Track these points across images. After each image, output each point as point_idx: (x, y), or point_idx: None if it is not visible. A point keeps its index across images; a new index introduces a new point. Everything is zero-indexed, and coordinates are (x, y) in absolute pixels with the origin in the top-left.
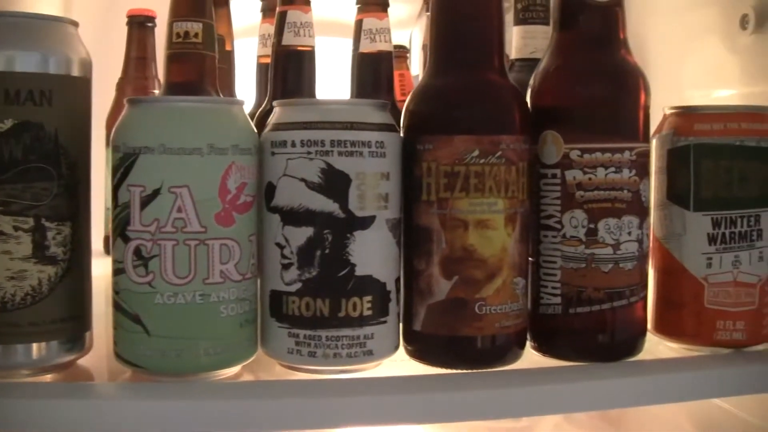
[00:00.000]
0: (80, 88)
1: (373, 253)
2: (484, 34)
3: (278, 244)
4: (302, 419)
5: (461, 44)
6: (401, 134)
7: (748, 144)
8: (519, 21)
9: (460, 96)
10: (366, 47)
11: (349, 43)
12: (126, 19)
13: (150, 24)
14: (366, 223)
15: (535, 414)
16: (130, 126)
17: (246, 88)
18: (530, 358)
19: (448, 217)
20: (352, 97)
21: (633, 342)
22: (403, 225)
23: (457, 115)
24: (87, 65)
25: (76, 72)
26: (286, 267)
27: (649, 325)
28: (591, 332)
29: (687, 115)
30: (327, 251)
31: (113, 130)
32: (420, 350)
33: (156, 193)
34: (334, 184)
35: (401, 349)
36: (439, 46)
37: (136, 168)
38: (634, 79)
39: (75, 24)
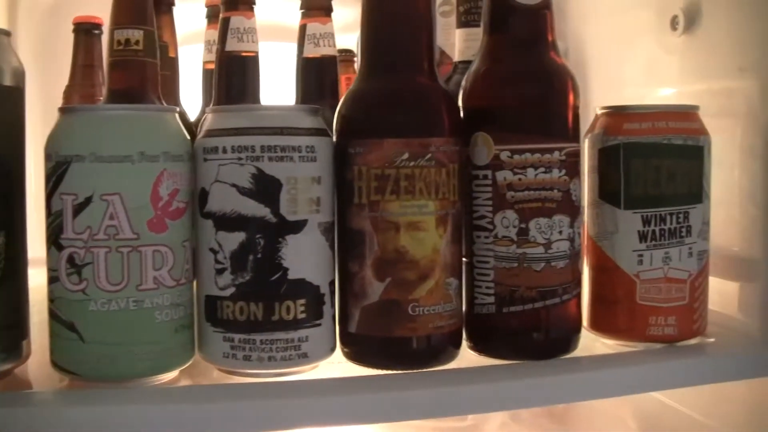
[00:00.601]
0: (12, 97)
1: (306, 257)
2: (413, 38)
3: (212, 250)
4: (239, 422)
5: (390, 48)
6: (334, 139)
7: (675, 142)
8: (461, 24)
9: (388, 99)
10: (310, 52)
11: (294, 47)
12: (72, 27)
13: (96, 31)
14: (298, 227)
15: (471, 412)
16: (62, 135)
17: (194, 94)
18: (467, 357)
19: (379, 220)
20: (297, 102)
21: (567, 339)
22: (336, 228)
23: (386, 118)
24: (19, 75)
25: (7, 81)
26: (219, 272)
27: (585, 323)
28: (525, 331)
29: (616, 114)
30: (259, 256)
31: (46, 139)
32: (356, 352)
33: (88, 201)
34: (265, 189)
35: (338, 352)
36: (368, 51)
37: (68, 176)
38: (562, 80)
39: (7, 34)
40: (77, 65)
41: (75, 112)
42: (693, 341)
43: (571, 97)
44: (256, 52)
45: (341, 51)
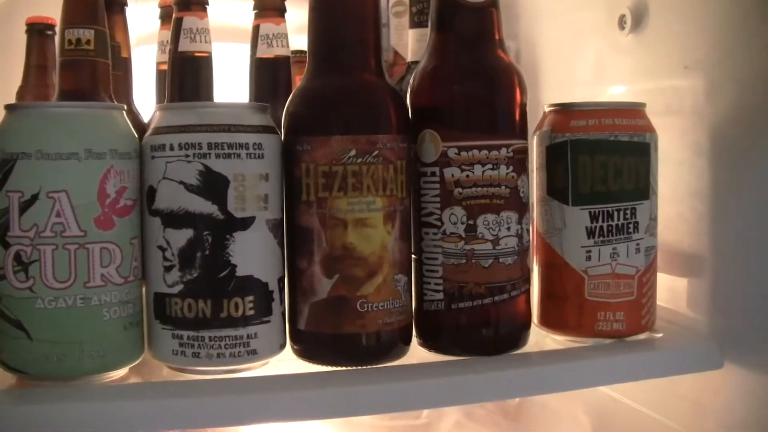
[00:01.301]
0: None
1: (254, 254)
2: (360, 36)
3: (160, 247)
4: (189, 419)
5: (337, 46)
6: (282, 136)
7: (621, 139)
8: (414, 24)
9: (335, 97)
10: (263, 53)
11: (247, 48)
12: (25, 27)
13: (49, 32)
14: (245, 224)
15: (420, 407)
16: (8, 132)
17: (148, 95)
18: (417, 353)
19: (327, 217)
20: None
21: (516, 335)
22: (285, 225)
23: (333, 115)
24: None
25: None
26: (168, 269)
27: (536, 319)
28: (474, 327)
29: (564, 112)
30: (207, 252)
31: None
32: (305, 349)
33: (34, 198)
34: (213, 186)
35: (289, 349)
36: (315, 49)
37: (14, 174)
38: (509, 78)
39: None
40: (30, 66)
41: (21, 110)
42: (641, 336)
43: (517, 94)
44: (209, 53)
45: (295, 52)
